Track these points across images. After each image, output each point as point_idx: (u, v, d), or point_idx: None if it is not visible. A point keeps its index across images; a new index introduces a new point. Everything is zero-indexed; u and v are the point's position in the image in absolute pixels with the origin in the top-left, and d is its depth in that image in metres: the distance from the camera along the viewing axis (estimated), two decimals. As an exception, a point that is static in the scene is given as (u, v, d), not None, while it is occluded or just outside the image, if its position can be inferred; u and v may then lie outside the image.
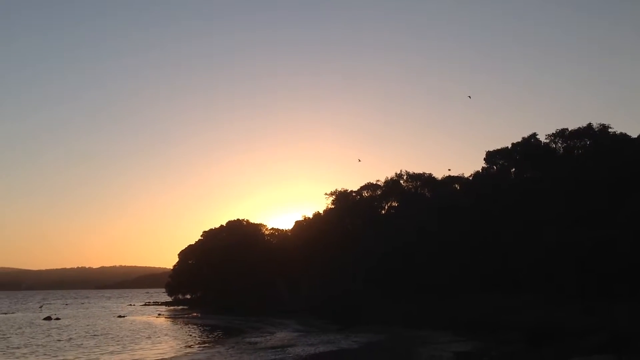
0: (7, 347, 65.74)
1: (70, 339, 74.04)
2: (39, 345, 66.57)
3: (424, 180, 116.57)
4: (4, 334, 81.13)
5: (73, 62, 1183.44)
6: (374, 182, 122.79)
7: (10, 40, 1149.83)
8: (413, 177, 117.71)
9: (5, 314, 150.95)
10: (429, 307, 75.73)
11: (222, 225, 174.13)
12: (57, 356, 56.26)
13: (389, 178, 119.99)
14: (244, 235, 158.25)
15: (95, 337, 76.42)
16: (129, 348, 62.37)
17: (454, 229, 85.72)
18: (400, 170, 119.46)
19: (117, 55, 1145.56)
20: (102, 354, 57.61)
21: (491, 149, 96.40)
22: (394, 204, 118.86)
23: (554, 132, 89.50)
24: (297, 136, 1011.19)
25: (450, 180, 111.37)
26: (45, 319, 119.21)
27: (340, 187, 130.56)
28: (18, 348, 64.36)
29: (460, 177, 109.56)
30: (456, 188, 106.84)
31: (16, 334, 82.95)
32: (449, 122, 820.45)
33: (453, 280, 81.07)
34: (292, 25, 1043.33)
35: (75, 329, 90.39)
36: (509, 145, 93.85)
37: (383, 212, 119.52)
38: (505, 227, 79.16)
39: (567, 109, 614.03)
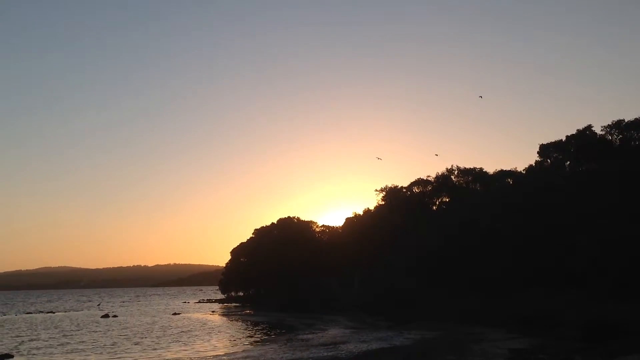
0: (68, 343, 67.69)
1: (128, 336, 75.69)
2: (100, 343, 68.15)
3: (475, 175, 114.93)
4: (66, 333, 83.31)
5: (128, 63, 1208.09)
6: (425, 178, 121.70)
7: (72, 42, 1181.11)
8: (464, 172, 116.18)
9: (66, 311, 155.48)
10: (482, 303, 74.68)
11: (273, 223, 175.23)
12: (116, 353, 57.53)
13: (440, 173, 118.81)
14: (294, 232, 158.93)
15: (151, 334, 77.92)
16: (185, 345, 63.34)
17: (507, 223, 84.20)
18: (452, 165, 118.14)
19: (169, 57, 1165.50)
20: (160, 350, 58.63)
21: (545, 142, 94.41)
22: (445, 199, 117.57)
23: (610, 123, 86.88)
24: (349, 133, 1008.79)
25: (502, 174, 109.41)
26: (103, 316, 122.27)
27: (390, 183, 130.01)
28: (81, 346, 66.09)
29: (512, 171, 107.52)
30: (508, 182, 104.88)
31: (78, 332, 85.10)
32: (500, 116, 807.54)
33: (506, 276, 79.65)
34: (343, 22, 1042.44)
35: (133, 327, 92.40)
36: (563, 138, 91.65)
37: (434, 207, 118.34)
38: (560, 222, 77.34)
39: (623, 100, 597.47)
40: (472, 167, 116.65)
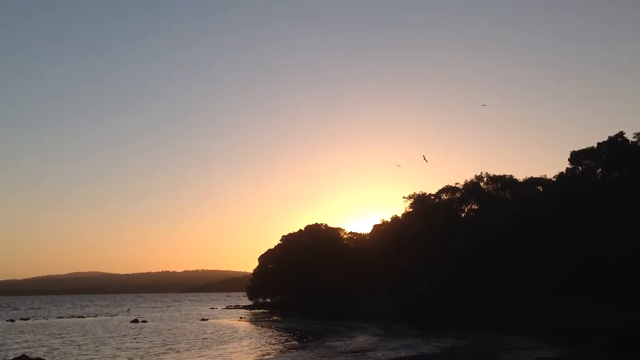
0: (101, 348, 68.52)
1: (160, 342, 76.34)
2: (131, 348, 68.82)
3: (504, 182, 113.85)
4: (97, 338, 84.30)
5: (156, 69, 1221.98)
6: (453, 185, 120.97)
7: (98, 48, 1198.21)
8: (493, 179, 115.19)
9: (95, 316, 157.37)
10: (511, 311, 74.07)
11: (301, 230, 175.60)
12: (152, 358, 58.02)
13: (469, 180, 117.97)
14: (322, 239, 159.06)
15: (182, 340, 78.48)
16: (213, 351, 63.72)
17: (537, 231, 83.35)
18: (481, 173, 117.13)
19: (198, 63, 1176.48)
20: (189, 357, 59.03)
21: (576, 149, 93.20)
22: (474, 206, 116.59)
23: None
24: (376, 140, 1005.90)
25: (532, 182, 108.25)
26: (132, 321, 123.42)
27: (418, 190, 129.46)
28: (115, 352, 66.82)
29: (542, 178, 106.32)
30: (539, 190, 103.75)
31: (109, 337, 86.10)
32: (529, 123, 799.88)
33: (535, 284, 78.87)
34: (364, 28, 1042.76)
35: (162, 332, 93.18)
36: (595, 145, 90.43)
37: (463, 215, 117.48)
38: (591, 229, 76.35)
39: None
40: (501, 174, 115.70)
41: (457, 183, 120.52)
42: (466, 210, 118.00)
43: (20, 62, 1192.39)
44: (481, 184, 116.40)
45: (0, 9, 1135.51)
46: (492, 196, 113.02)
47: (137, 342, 74.48)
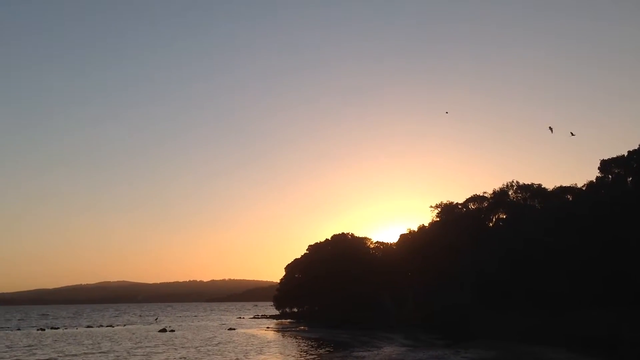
0: (129, 358, 68.99)
1: (186, 352, 76.65)
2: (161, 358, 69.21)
3: (533, 191, 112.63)
4: (126, 348, 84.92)
5: (187, 74, 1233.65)
6: (481, 194, 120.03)
7: (131, 54, 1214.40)
8: (522, 188, 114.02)
9: (124, 325, 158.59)
10: (541, 321, 73.06)
11: (327, 239, 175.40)
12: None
13: (497, 189, 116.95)
14: (349, 248, 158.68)
15: (209, 350, 78.72)
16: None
17: (567, 241, 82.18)
18: (511, 181, 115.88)
19: (226, 70, 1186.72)
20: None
21: (606, 158, 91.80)
22: (502, 215, 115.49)
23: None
24: (402, 149, 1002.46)
25: (561, 190, 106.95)
26: (160, 330, 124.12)
27: (445, 200, 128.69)
28: None
29: (572, 187, 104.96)
30: (568, 199, 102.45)
31: (137, 347, 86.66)
32: (558, 130, 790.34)
33: (565, 295, 77.72)
34: (400, 37, 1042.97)
35: (190, 342, 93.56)
36: (625, 153, 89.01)
37: (490, 224, 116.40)
38: (623, 239, 75.05)
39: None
40: (530, 183, 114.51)
41: (484, 192, 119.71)
42: (494, 219, 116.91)
43: (52, 67, 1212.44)
44: (510, 192, 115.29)
45: (44, 14, 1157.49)
46: (521, 205, 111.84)
47: (165, 352, 74.83)
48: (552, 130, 76.12)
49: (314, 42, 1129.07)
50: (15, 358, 69.55)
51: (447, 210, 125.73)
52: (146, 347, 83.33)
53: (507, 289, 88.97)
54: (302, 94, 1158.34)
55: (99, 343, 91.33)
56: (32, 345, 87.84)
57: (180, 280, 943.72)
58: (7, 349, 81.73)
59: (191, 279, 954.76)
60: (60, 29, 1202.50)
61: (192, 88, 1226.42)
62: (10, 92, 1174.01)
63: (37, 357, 69.93)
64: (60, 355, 71.85)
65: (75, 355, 70.69)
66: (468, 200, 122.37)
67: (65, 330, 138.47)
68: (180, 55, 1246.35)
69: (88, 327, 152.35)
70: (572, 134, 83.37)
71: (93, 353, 73.74)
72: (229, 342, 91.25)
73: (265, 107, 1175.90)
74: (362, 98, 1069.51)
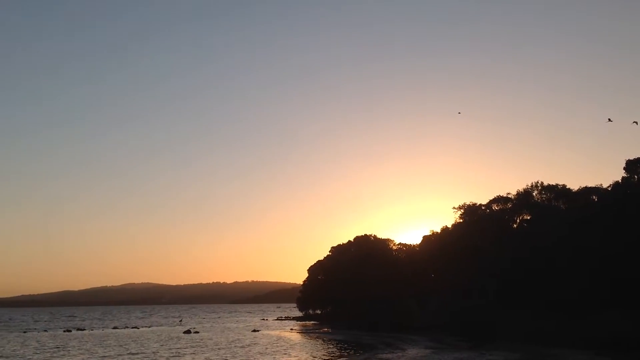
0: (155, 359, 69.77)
1: (210, 353, 77.24)
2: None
3: (557, 192, 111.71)
4: (151, 349, 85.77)
5: (209, 75, 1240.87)
6: (504, 195, 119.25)
7: (155, 54, 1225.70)
8: (546, 189, 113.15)
9: (149, 327, 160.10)
10: (565, 324, 72.55)
11: (349, 241, 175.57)
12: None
13: (521, 190, 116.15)
14: (371, 250, 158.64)
15: (234, 351, 79.28)
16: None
17: (592, 242, 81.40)
18: (536, 182, 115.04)
19: (247, 70, 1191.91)
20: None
21: (631, 158, 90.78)
22: (526, 217, 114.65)
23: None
24: (425, 150, 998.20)
25: (586, 191, 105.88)
26: (185, 332, 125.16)
27: (468, 201, 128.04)
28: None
29: (597, 188, 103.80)
30: (593, 200, 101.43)
31: (162, 347, 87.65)
32: (583, 131, 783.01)
33: (590, 296, 77.01)
34: (416, 37, 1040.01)
35: (215, 343, 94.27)
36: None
37: (514, 225, 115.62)
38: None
39: None
40: (554, 183, 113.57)
41: (508, 193, 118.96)
42: (518, 220, 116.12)
43: (70, 71, 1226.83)
44: (534, 193, 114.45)
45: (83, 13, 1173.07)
46: (545, 206, 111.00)
47: (190, 354, 75.50)
48: (610, 120, 78.19)
49: (336, 41, 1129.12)
50: (45, 359, 70.63)
51: (471, 212, 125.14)
52: (172, 348, 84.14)
53: (531, 290, 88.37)
54: (324, 94, 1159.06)
55: (125, 344, 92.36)
56: (60, 347, 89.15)
57: (204, 282, 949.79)
58: (36, 351, 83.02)
59: (214, 281, 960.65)
60: (81, 33, 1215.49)
61: (213, 89, 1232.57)
62: (32, 97, 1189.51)
63: (65, 359, 70.96)
64: (88, 356, 72.80)
65: (103, 357, 71.46)
66: (492, 202, 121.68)
67: (91, 331, 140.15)
68: (196, 56, 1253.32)
69: (114, 328, 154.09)
70: (634, 122, 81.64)
71: (121, 355, 74.56)
72: (254, 343, 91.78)
73: (289, 108, 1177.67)
74: (383, 99, 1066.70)
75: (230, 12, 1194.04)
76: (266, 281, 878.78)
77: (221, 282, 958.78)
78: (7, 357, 73.28)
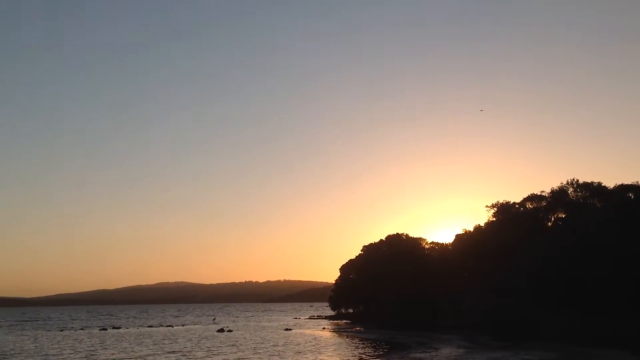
0: (189, 359, 70.63)
1: (244, 351, 77.85)
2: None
3: (592, 190, 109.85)
4: (186, 347, 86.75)
5: (239, 75, 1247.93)
6: (538, 193, 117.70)
7: (188, 56, 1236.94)
8: (581, 187, 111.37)
9: (183, 325, 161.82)
10: (602, 323, 71.49)
11: (381, 240, 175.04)
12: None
13: (555, 188, 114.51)
14: (403, 249, 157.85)
15: (267, 349, 79.78)
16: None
17: (628, 241, 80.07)
18: (571, 179, 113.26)
19: (286, 67, 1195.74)
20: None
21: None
22: (561, 215, 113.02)
23: None
24: (457, 149, 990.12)
25: (622, 189, 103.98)
26: (218, 330, 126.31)
27: (502, 199, 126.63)
28: None
29: (634, 185, 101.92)
30: (630, 197, 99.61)
31: (196, 346, 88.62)
32: (618, 127, 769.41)
33: (626, 296, 75.76)
34: (443, 35, 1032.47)
35: (248, 342, 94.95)
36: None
37: (549, 224, 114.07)
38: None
39: None
40: (589, 181, 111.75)
41: (542, 191, 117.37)
42: (553, 219, 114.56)
43: (97, 71, 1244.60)
44: (569, 191, 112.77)
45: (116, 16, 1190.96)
46: (580, 204, 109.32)
47: (224, 353, 76.20)
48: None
49: (371, 39, 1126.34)
50: (82, 357, 71.88)
51: (504, 210, 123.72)
52: (206, 347, 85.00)
53: (565, 290, 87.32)
54: (357, 93, 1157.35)
55: (160, 343, 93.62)
56: (96, 345, 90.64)
57: (237, 281, 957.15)
58: (72, 350, 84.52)
59: (247, 280, 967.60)
60: (114, 33, 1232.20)
61: (252, 85, 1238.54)
62: (61, 97, 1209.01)
63: (97, 357, 72.11)
64: (124, 355, 73.89)
65: (140, 356, 72.44)
66: (525, 200, 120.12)
67: (126, 330, 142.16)
68: (234, 52, 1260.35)
69: (148, 327, 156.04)
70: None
71: (157, 353, 75.55)
72: (286, 342, 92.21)
73: (322, 107, 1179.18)
74: (415, 99, 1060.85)
75: (251, 15, 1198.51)
76: (298, 280, 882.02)
77: (253, 281, 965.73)
78: (45, 356, 74.69)
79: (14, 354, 77.88)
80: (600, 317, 73.89)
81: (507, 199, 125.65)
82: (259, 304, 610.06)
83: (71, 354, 77.66)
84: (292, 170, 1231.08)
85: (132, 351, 79.09)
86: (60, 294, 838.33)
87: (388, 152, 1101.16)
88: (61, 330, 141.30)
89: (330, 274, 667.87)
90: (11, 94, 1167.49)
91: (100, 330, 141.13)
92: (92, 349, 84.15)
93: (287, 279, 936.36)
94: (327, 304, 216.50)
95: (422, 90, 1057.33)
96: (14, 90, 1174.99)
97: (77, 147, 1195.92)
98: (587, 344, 66.03)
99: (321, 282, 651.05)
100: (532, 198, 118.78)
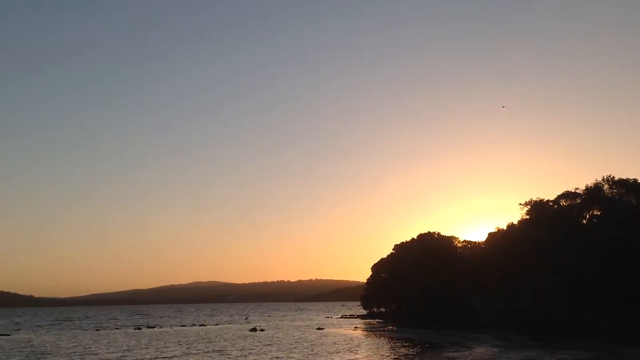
0: (223, 357, 71.19)
1: (277, 351, 78.26)
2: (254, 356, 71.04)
3: (628, 187, 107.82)
4: (220, 346, 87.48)
5: (268, 75, 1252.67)
6: (573, 190, 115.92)
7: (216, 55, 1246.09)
8: (617, 184, 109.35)
9: (216, 325, 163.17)
10: (637, 322, 70.09)
11: (413, 239, 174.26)
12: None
13: (590, 185, 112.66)
14: (435, 248, 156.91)
15: (300, 348, 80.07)
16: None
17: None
18: (607, 176, 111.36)
19: (308, 66, 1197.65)
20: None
21: None
22: (596, 212, 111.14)
23: None
24: (489, 147, 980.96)
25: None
26: (251, 330, 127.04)
27: (535, 197, 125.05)
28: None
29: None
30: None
31: (230, 345, 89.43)
32: None
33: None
34: (473, 33, 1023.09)
35: (281, 340, 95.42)
36: None
37: (584, 221, 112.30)
38: None
39: None
40: (625, 177, 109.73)
41: (576, 188, 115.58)
42: (587, 216, 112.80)
43: (137, 70, 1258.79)
44: (604, 188, 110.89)
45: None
46: (616, 201, 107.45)
47: (258, 352, 76.65)
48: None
49: (401, 37, 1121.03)
50: (118, 356, 72.94)
51: (537, 208, 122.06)
52: (240, 346, 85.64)
53: (602, 288, 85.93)
54: (388, 92, 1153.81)
55: (194, 342, 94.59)
56: (131, 345, 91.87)
57: (268, 280, 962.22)
58: (108, 348, 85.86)
59: (279, 279, 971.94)
60: (155, 31, 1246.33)
61: (275, 87, 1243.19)
62: (100, 97, 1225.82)
63: (133, 355, 73.07)
64: (159, 354, 74.81)
65: (174, 355, 73.23)
66: (559, 197, 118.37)
67: (160, 329, 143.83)
68: (266, 52, 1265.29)
69: (182, 326, 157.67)
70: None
71: (190, 353, 76.35)
72: (319, 341, 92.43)
73: (351, 106, 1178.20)
74: (447, 96, 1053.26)
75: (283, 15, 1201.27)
76: (330, 279, 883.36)
77: (285, 280, 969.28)
78: (81, 355, 75.92)
79: (53, 353, 79.33)
80: (638, 316, 72.53)
81: (539, 197, 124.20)
82: (290, 303, 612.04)
83: (107, 352, 78.91)
84: (324, 169, 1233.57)
85: (167, 350, 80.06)
86: (95, 294, 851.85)
87: (419, 150, 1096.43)
88: (97, 330, 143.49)
89: (361, 273, 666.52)
90: (52, 93, 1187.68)
91: (135, 329, 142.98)
92: (127, 347, 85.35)
93: (318, 278, 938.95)
94: (359, 303, 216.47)
95: (452, 88, 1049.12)
96: (54, 90, 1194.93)
97: (111, 148, 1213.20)
98: (625, 342, 64.85)
99: (352, 281, 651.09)
100: (566, 195, 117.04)
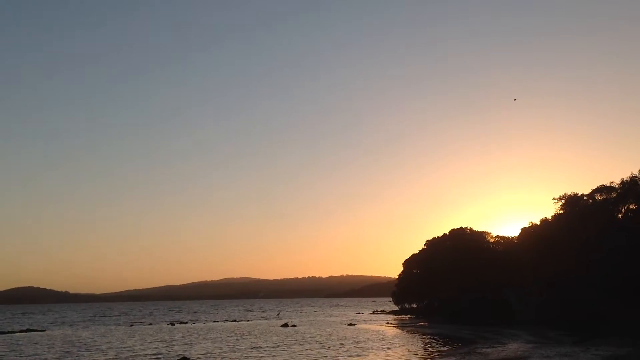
0: (254, 352, 71.71)
1: (310, 345, 78.55)
2: (292, 352, 71.39)
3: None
4: (251, 342, 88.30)
5: (295, 72, 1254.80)
6: (608, 184, 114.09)
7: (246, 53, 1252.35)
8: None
9: (249, 320, 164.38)
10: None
11: (445, 234, 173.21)
12: None
13: (625, 179, 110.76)
14: (468, 243, 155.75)
15: (332, 344, 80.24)
16: (367, 356, 64.71)
17: None
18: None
19: (334, 65, 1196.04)
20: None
21: None
22: (632, 206, 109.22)
23: None
24: (521, 142, 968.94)
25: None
26: (282, 325, 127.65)
27: (569, 191, 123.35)
28: (276, 354, 69.73)
29: None
30: None
31: (262, 341, 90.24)
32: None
33: None
34: (502, 30, 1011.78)
35: (313, 336, 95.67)
36: None
37: (620, 216, 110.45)
38: None
39: None
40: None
41: (612, 182, 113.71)
42: (623, 210, 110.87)
43: (163, 73, 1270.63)
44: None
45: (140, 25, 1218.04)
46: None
47: (290, 347, 77.04)
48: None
49: (448, 35, 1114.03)
50: (153, 351, 73.91)
51: (572, 202, 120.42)
52: (272, 341, 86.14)
53: (637, 283, 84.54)
54: (417, 89, 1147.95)
55: (226, 338, 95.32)
56: (165, 340, 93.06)
57: (299, 276, 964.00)
58: (142, 343, 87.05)
59: (310, 275, 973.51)
60: (177, 34, 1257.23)
61: (311, 84, 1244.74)
62: (131, 98, 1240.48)
63: (167, 350, 73.99)
64: (192, 349, 75.60)
65: (208, 352, 73.85)
66: (594, 191, 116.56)
67: (193, 324, 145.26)
68: (289, 50, 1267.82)
69: (214, 322, 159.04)
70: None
71: (222, 348, 77.00)
72: (351, 337, 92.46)
73: (383, 102, 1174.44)
74: (483, 92, 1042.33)
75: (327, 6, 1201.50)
76: (361, 275, 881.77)
77: (316, 276, 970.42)
78: (115, 349, 77.13)
79: (89, 347, 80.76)
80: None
81: (574, 191, 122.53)
82: (321, 299, 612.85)
83: (141, 346, 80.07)
84: (355, 165, 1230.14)
85: (199, 345, 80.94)
86: (128, 290, 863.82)
87: (450, 147, 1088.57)
88: (131, 325, 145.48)
89: (392, 269, 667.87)
90: (76, 93, 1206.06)
91: (168, 325, 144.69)
92: (162, 343, 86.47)
93: (349, 274, 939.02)
94: (390, 299, 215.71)
95: (485, 83, 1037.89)
96: (79, 90, 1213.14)
97: (143, 147, 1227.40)
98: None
99: (384, 277, 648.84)
100: (601, 189, 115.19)
